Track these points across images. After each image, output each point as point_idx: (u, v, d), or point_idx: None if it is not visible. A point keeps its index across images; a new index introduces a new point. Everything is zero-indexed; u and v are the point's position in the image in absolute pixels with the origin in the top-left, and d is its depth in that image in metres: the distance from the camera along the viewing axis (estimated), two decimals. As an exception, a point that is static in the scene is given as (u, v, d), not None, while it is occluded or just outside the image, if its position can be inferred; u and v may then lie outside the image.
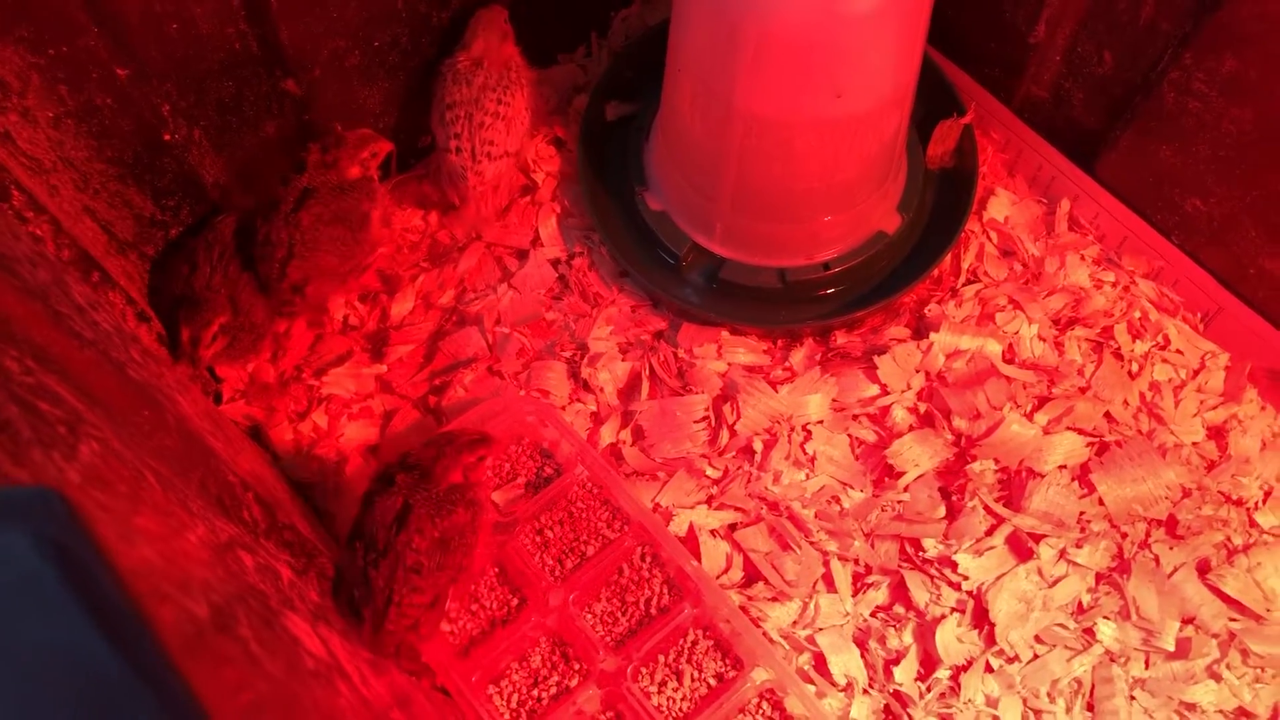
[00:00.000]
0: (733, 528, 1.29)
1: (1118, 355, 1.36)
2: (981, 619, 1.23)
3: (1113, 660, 1.21)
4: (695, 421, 1.34)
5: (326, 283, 1.33)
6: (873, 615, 1.25)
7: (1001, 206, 1.46)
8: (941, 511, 1.28)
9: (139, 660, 0.36)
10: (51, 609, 0.36)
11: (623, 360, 1.38)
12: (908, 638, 1.23)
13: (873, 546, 1.28)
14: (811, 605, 1.24)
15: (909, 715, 1.19)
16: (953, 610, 1.23)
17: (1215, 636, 1.21)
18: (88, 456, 0.56)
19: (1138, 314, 1.38)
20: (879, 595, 1.25)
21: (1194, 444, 1.32)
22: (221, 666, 0.42)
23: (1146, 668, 1.21)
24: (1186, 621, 1.23)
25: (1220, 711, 1.18)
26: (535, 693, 1.19)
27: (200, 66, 1.17)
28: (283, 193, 1.28)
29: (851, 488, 1.31)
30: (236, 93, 1.23)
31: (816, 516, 1.29)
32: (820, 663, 1.22)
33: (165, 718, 0.35)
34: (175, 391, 0.88)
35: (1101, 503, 1.27)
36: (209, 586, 0.47)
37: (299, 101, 1.30)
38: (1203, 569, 1.25)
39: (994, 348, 1.35)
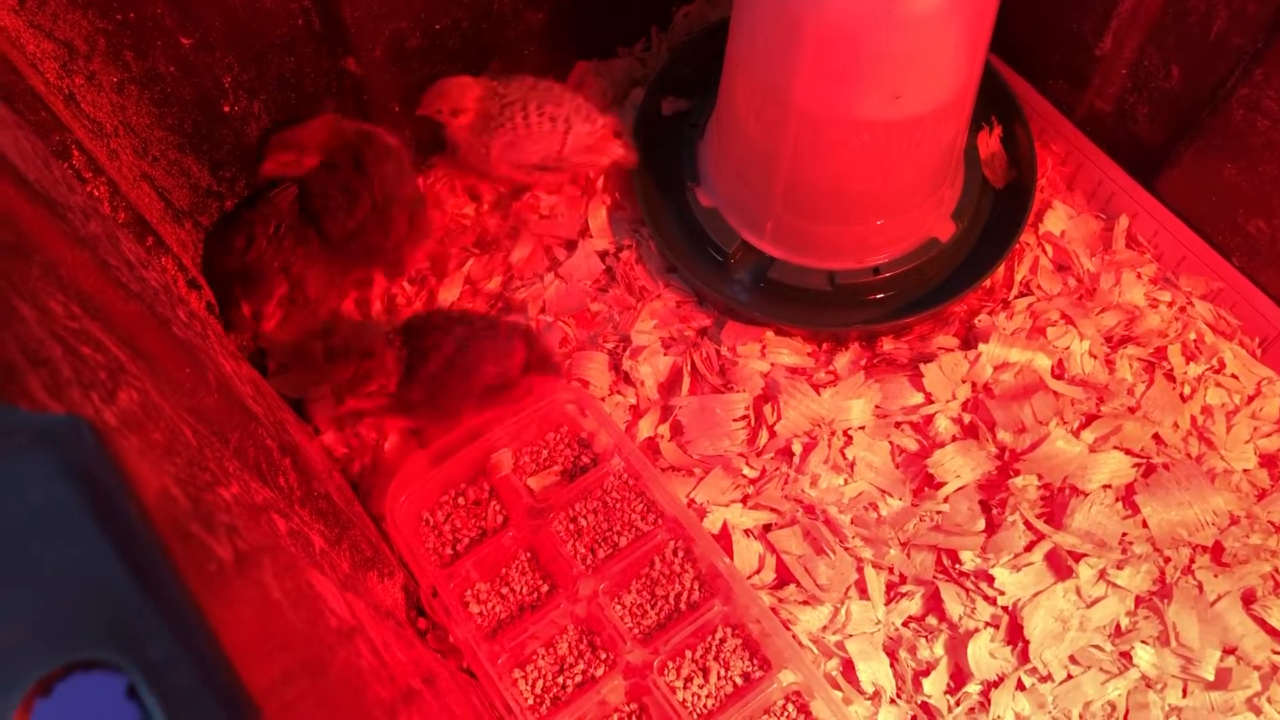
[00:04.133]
0: (767, 528, 1.28)
1: (1170, 377, 1.33)
2: (1016, 635, 1.20)
3: (1149, 686, 1.18)
4: (735, 420, 1.33)
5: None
6: (904, 625, 1.23)
7: (1059, 220, 1.44)
8: (981, 524, 1.26)
9: (158, 590, 0.36)
10: (74, 534, 0.36)
11: (665, 355, 1.38)
12: (939, 650, 1.21)
13: (908, 556, 1.26)
14: (843, 611, 1.23)
15: (936, 728, 1.17)
16: (987, 625, 1.21)
17: (1257, 669, 1.18)
18: (126, 403, 0.56)
19: (1193, 335, 1.36)
20: (912, 605, 1.23)
21: (1245, 471, 1.29)
22: (240, 607, 0.42)
23: (1184, 696, 1.18)
24: (1228, 652, 1.20)
25: (1258, 745, 1.16)
26: (560, 679, 1.19)
27: (263, 40, 1.18)
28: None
29: (890, 495, 1.29)
30: (297, 68, 1.24)
31: (853, 522, 1.27)
32: (849, 669, 1.21)
33: (179, 647, 0.35)
34: (219, 354, 0.89)
35: (1145, 525, 1.25)
36: (235, 532, 0.47)
37: (358, 80, 1.31)
38: (1248, 599, 1.22)
39: (1043, 362, 1.33)
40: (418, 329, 1.23)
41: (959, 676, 1.20)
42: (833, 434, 1.31)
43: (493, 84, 1.37)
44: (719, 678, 1.18)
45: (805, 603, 1.24)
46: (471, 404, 1.25)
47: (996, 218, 1.42)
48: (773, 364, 1.36)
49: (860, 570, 1.25)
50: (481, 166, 1.42)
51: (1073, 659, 1.20)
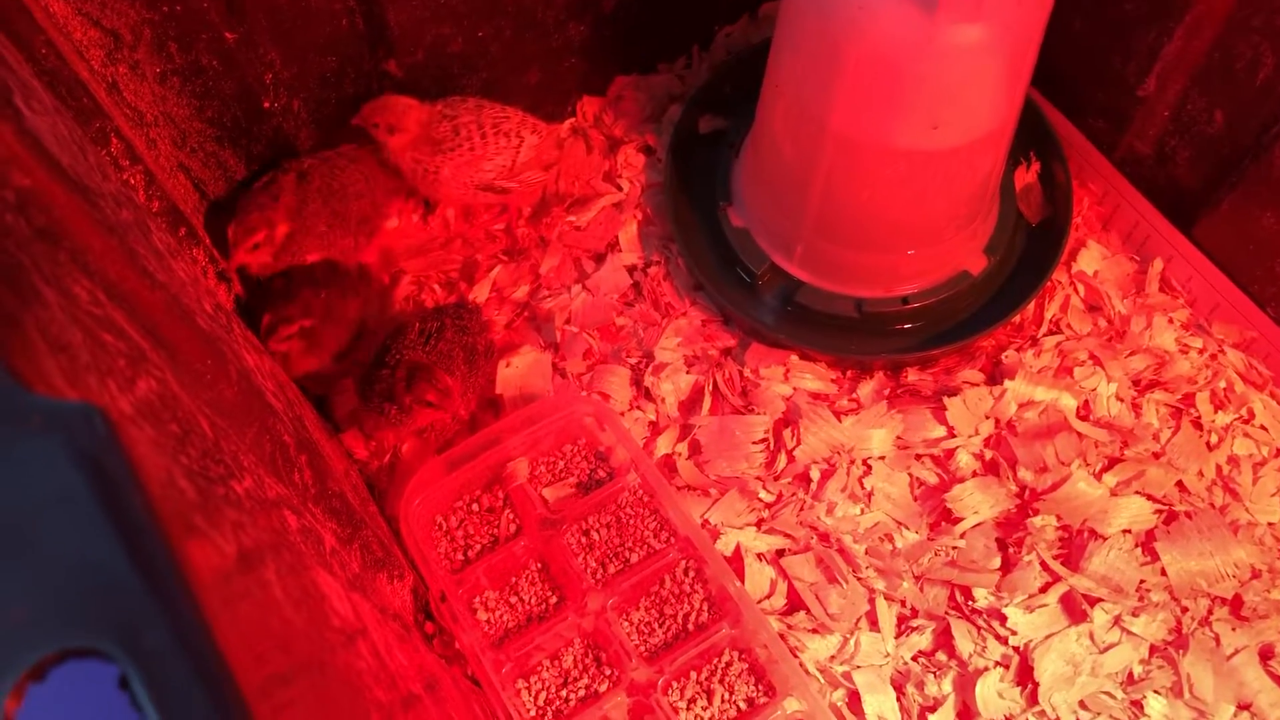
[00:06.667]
0: (780, 554, 1.27)
1: (1197, 424, 1.32)
2: (1025, 676, 1.19)
3: (1159, 737, 1.16)
4: (754, 442, 1.32)
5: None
6: (914, 659, 1.22)
7: (1092, 260, 1.43)
8: (996, 562, 1.25)
9: (158, 581, 0.36)
10: (79, 520, 0.36)
11: (687, 373, 1.37)
12: (947, 686, 1.20)
13: (921, 590, 1.25)
14: (852, 641, 1.22)
15: (940, 766, 1.16)
16: (997, 664, 1.20)
17: (1271, 726, 1.17)
18: (144, 392, 0.56)
19: (1223, 384, 1.34)
20: (922, 640, 1.22)
21: (1269, 524, 1.27)
22: (240, 603, 0.42)
23: (1195, 749, 1.16)
24: (1242, 707, 1.18)
25: (1268, 804, 1.13)
26: (564, 693, 1.18)
27: (306, 39, 1.19)
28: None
29: (906, 528, 1.28)
30: (339, 69, 1.25)
31: (867, 553, 1.26)
32: (854, 700, 1.19)
33: (174, 638, 0.35)
34: (243, 348, 0.90)
35: (1164, 573, 1.23)
36: (241, 528, 0.47)
37: (399, 83, 1.32)
38: (1265, 655, 1.20)
39: (1069, 402, 1.32)
40: (427, 339, 1.26)
41: (966, 715, 1.18)
42: (852, 462, 1.30)
43: (437, 107, 1.34)
44: (723, 701, 1.18)
45: (814, 631, 1.23)
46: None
47: (1029, 254, 1.40)
48: (795, 388, 1.36)
49: (872, 601, 1.24)
50: (425, 188, 1.40)
51: (1083, 704, 1.18)
